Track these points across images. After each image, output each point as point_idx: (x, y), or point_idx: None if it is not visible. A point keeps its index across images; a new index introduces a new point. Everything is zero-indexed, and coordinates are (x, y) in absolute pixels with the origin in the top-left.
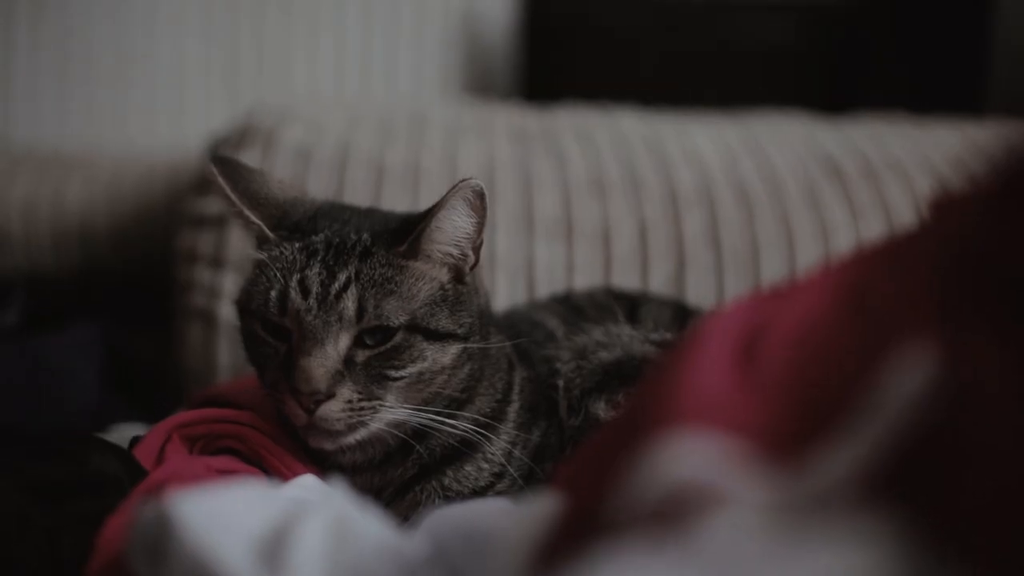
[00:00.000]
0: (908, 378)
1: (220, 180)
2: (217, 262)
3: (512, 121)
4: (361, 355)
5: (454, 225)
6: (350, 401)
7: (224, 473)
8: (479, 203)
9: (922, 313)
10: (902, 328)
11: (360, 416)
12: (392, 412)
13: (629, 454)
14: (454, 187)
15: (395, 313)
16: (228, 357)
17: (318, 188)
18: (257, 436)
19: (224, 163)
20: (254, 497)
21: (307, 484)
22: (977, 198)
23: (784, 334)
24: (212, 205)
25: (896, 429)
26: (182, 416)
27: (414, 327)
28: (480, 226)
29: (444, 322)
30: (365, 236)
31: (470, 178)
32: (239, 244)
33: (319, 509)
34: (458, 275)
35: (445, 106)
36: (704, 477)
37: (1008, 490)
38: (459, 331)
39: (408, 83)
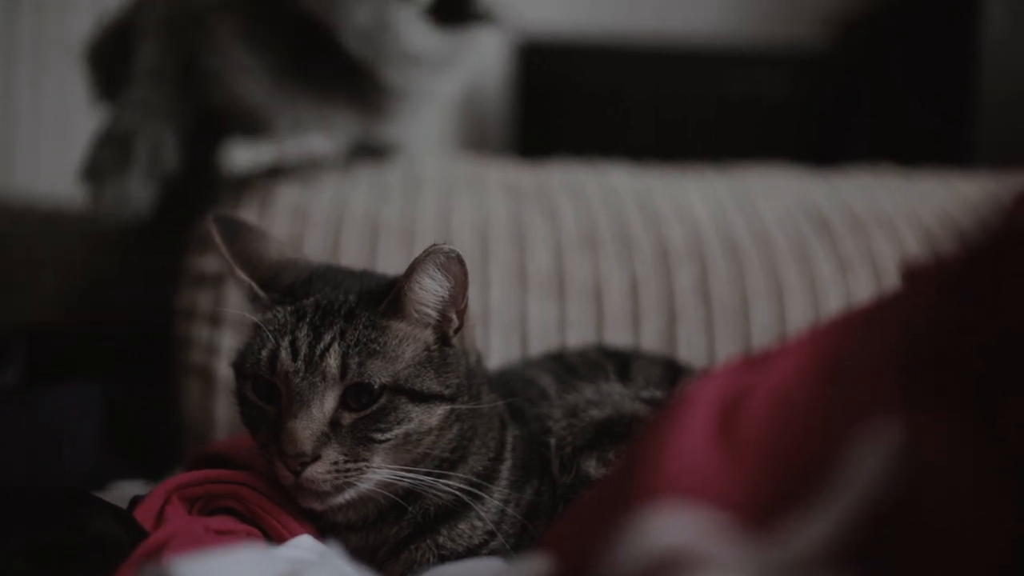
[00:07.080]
0: (874, 452)
1: (217, 238)
2: (216, 320)
3: (505, 177)
4: (347, 418)
5: (425, 288)
6: (335, 463)
7: (222, 534)
8: (456, 268)
9: (888, 387)
10: (870, 401)
11: (346, 477)
12: (378, 473)
13: (616, 521)
14: (425, 251)
15: (378, 373)
16: (226, 413)
17: (314, 246)
18: (254, 496)
19: (224, 222)
20: (252, 559)
21: (304, 544)
22: (944, 273)
23: (761, 404)
24: (211, 263)
25: (863, 501)
26: (182, 477)
27: (398, 389)
28: (457, 290)
29: (429, 383)
30: (351, 297)
31: (443, 244)
32: (238, 302)
33: (316, 569)
34: (443, 337)
35: (439, 162)
36: (687, 546)
37: (961, 563)
38: (446, 392)
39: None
